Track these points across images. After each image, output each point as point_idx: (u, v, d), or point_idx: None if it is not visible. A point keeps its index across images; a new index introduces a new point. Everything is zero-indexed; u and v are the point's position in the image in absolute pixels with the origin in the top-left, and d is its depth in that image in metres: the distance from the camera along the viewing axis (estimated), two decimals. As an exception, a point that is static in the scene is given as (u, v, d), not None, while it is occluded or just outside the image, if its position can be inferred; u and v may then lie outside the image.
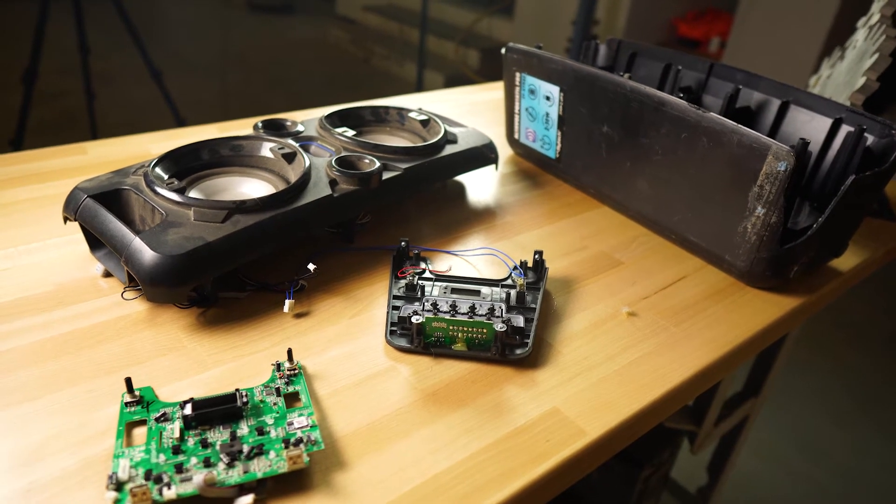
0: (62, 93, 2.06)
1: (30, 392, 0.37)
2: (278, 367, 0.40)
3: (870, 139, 0.54)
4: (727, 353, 0.46)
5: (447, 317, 0.43)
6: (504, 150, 0.76)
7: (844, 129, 0.57)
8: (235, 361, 0.41)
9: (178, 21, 4.15)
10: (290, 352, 0.39)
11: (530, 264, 0.51)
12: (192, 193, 0.50)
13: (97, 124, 1.87)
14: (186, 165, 0.52)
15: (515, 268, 0.51)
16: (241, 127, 0.76)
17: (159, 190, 0.46)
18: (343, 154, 0.55)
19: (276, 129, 0.59)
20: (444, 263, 0.53)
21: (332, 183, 0.51)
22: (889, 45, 0.63)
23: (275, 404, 0.37)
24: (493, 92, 0.99)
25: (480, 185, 0.67)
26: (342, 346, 0.43)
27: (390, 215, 0.59)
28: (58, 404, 0.37)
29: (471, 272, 0.52)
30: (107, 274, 0.48)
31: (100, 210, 0.45)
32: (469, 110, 0.90)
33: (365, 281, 0.50)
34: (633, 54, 0.75)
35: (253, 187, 0.52)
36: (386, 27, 4.16)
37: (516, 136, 0.73)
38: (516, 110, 0.71)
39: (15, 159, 0.64)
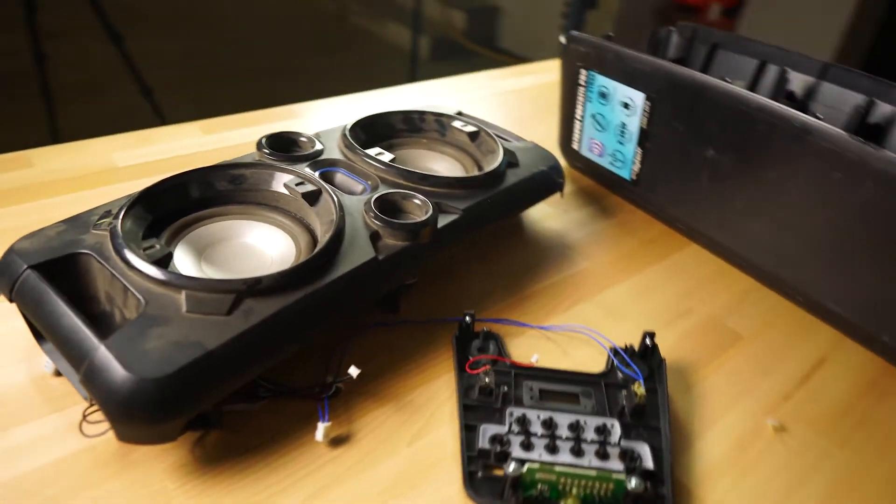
0: (7, 53, 1.84)
1: None
2: (322, 555, 0.27)
3: None
4: (917, 488, 0.34)
5: (553, 458, 0.31)
6: (556, 162, 0.62)
7: None
8: (254, 535, 0.28)
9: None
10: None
11: (637, 347, 0.39)
12: (179, 251, 0.36)
13: (51, 87, 1.66)
14: (169, 208, 0.38)
15: (617, 352, 0.38)
16: (231, 125, 0.61)
17: (134, 260, 0.32)
18: (382, 192, 0.40)
19: (285, 148, 0.45)
20: (523, 343, 0.40)
21: (374, 237, 0.37)
22: None
23: None
24: (525, 77, 0.84)
25: (538, 211, 0.54)
26: (402, 501, 0.30)
27: (438, 266, 0.46)
28: None
29: (556, 354, 0.40)
30: (59, 373, 0.34)
31: (46, 292, 0.31)
32: (497, 104, 0.76)
33: (420, 373, 0.37)
34: (713, 46, 0.61)
35: (264, 238, 0.38)
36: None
37: (575, 146, 0.60)
38: (577, 115, 0.58)
39: (-68, 176, 0.48)
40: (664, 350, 0.40)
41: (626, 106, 0.52)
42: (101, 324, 0.33)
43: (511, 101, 0.77)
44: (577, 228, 0.53)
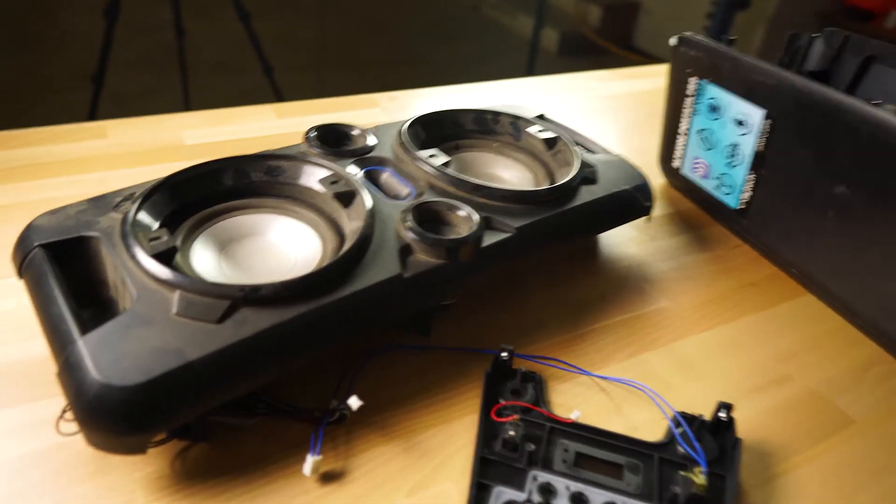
0: (155, 26, 1.98)
1: None
2: None
3: None
4: None
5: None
6: (653, 177, 0.54)
7: None
8: (206, 580, 0.24)
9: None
10: None
11: (707, 416, 0.32)
12: (200, 242, 0.33)
13: (187, 62, 1.77)
14: (198, 196, 0.35)
15: (679, 424, 0.31)
16: (307, 111, 0.59)
17: (135, 251, 0.29)
18: (425, 199, 0.36)
19: (335, 142, 0.41)
20: (569, 391, 0.34)
21: (404, 251, 0.33)
22: None
23: None
24: (640, 80, 0.76)
25: (620, 235, 0.47)
26: (385, 568, 0.26)
27: (485, 286, 0.40)
28: None
29: (607, 410, 0.33)
30: (62, 357, 0.32)
31: (45, 274, 0.29)
32: (601, 108, 0.68)
33: (441, 410, 0.32)
34: (867, 58, 0.51)
35: (292, 237, 0.35)
36: (500, -27, 3.85)
37: (676, 163, 0.52)
38: (682, 129, 0.50)
39: (14, 139, 0.49)
40: (746, 425, 0.33)
41: (740, 123, 0.44)
42: (106, 311, 0.31)
43: (618, 106, 0.69)
44: (664, 259, 0.45)
